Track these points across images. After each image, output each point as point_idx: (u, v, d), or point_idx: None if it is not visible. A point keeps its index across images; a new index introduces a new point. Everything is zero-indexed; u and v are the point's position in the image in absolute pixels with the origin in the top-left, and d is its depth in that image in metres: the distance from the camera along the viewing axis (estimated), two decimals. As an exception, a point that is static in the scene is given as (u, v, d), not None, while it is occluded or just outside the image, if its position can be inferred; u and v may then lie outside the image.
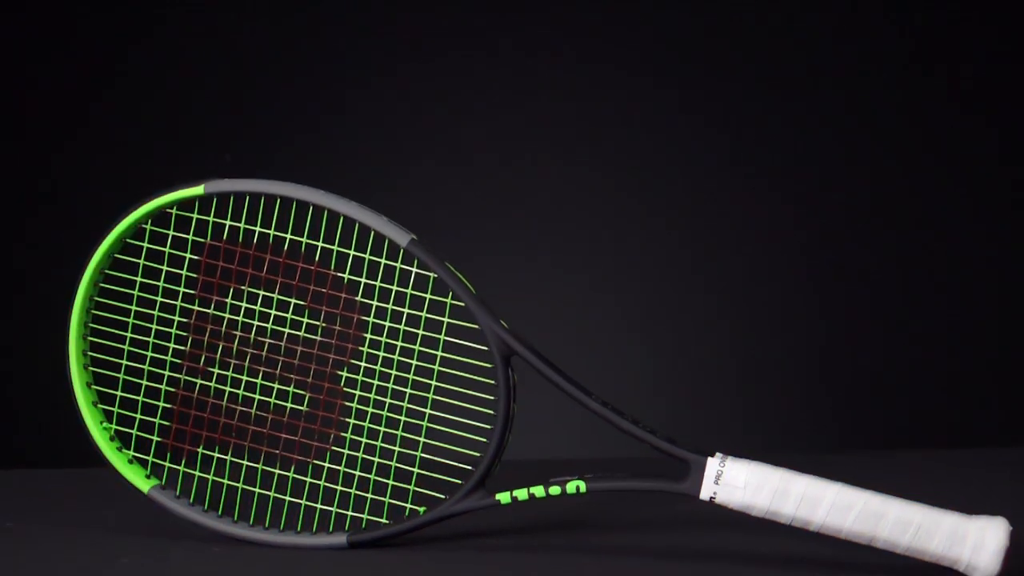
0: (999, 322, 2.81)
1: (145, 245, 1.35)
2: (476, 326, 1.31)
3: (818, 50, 2.82)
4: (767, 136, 2.84)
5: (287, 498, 1.35)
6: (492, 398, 1.30)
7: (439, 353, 1.32)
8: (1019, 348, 2.79)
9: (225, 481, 1.36)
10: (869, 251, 2.84)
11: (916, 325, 2.82)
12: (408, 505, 1.33)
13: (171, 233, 1.35)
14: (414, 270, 1.32)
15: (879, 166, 2.83)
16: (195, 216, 1.34)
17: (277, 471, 1.36)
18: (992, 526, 1.19)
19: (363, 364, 1.34)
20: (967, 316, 2.81)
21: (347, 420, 1.35)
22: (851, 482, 1.23)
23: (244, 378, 1.36)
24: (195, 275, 1.35)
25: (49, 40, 2.79)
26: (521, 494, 1.30)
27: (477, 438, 1.31)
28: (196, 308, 1.36)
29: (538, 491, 1.29)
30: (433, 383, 1.32)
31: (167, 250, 1.35)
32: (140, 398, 1.37)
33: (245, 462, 1.35)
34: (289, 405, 1.35)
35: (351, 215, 1.31)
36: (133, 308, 1.36)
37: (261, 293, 1.34)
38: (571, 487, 1.28)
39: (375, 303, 1.33)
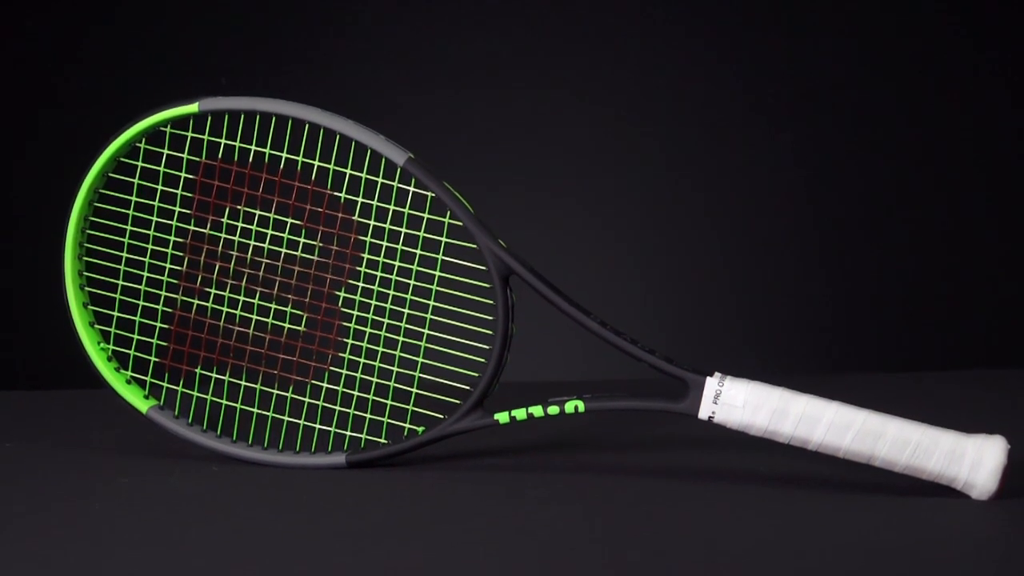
0: (998, 245, 2.80)
1: (139, 164, 1.34)
2: (474, 246, 1.30)
3: None
4: (765, 61, 2.82)
5: (286, 418, 1.35)
6: (490, 318, 1.30)
7: (437, 273, 1.31)
8: (1017, 272, 2.79)
9: (224, 401, 1.36)
10: (868, 174, 2.82)
11: (915, 248, 2.81)
12: (406, 425, 1.33)
13: (166, 152, 1.33)
14: (412, 189, 1.31)
15: (877, 91, 2.81)
16: (190, 135, 1.33)
17: (275, 391, 1.36)
18: (990, 445, 1.20)
19: (360, 284, 1.33)
20: (966, 240, 2.81)
21: (345, 340, 1.34)
22: (850, 402, 1.23)
23: (241, 298, 1.35)
24: (190, 194, 1.34)
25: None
26: (519, 414, 1.30)
27: (475, 358, 1.31)
28: (192, 228, 1.35)
29: (536, 411, 1.29)
30: (431, 303, 1.32)
31: (162, 169, 1.34)
32: (137, 318, 1.37)
33: (243, 382, 1.35)
34: (287, 325, 1.35)
35: (348, 133, 1.30)
36: (128, 228, 1.36)
37: (257, 212, 1.33)
38: (569, 407, 1.28)
39: (372, 222, 1.32)
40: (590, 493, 1.26)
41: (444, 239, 1.31)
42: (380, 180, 1.31)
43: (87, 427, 1.56)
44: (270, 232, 1.33)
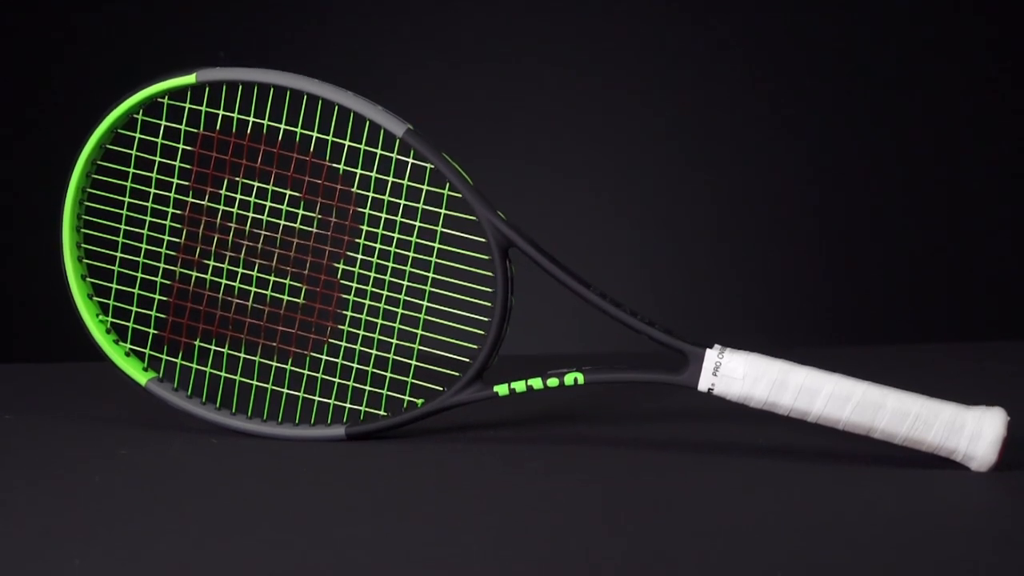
0: (1001, 218, 2.80)
1: (137, 136, 1.34)
2: (473, 217, 1.29)
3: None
4: (764, 34, 2.81)
5: (285, 390, 1.35)
6: (490, 290, 1.30)
7: (436, 245, 1.31)
8: (1019, 244, 2.79)
9: (223, 373, 1.36)
10: (870, 147, 2.82)
11: (916, 220, 2.81)
12: (406, 397, 1.33)
13: (163, 123, 1.33)
14: (410, 160, 1.30)
15: (880, 62, 2.80)
16: (187, 106, 1.32)
17: (275, 363, 1.35)
18: (990, 416, 1.19)
19: (359, 256, 1.33)
20: (968, 212, 2.80)
21: (344, 313, 1.34)
22: (850, 374, 1.23)
23: (240, 270, 1.35)
24: (188, 166, 1.33)
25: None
26: (519, 386, 1.29)
27: (475, 330, 1.30)
28: (190, 199, 1.35)
29: (536, 383, 1.29)
30: (430, 275, 1.31)
31: (159, 141, 1.33)
32: (136, 291, 1.36)
33: (242, 354, 1.35)
34: (286, 297, 1.35)
35: (346, 105, 1.29)
36: (126, 200, 1.35)
37: (256, 184, 1.33)
38: (569, 379, 1.28)
39: (371, 194, 1.31)
40: (589, 465, 1.26)
41: (443, 211, 1.30)
42: (379, 151, 1.30)
43: (86, 399, 1.56)
44: (268, 204, 1.33)
